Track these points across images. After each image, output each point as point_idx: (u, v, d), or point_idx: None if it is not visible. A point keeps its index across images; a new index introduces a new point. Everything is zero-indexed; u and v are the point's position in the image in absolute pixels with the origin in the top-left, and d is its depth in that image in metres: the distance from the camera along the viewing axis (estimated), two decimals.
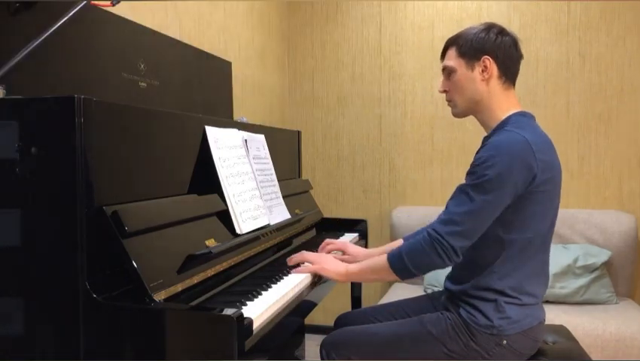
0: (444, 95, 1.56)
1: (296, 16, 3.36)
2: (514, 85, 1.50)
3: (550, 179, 1.38)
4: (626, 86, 2.85)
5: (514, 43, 1.48)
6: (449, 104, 1.56)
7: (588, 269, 2.59)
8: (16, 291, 1.00)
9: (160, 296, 1.04)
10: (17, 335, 1.00)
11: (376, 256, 1.73)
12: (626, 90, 2.85)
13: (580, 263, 2.58)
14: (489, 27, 1.48)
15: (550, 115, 2.95)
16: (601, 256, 2.62)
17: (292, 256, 1.58)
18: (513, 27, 2.96)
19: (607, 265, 2.65)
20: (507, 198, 1.34)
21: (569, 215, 2.79)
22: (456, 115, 1.55)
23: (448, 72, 1.52)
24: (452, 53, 1.51)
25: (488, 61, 1.45)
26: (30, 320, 1.00)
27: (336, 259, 1.59)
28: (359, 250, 1.77)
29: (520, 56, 1.50)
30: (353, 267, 1.52)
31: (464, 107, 1.51)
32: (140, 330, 0.98)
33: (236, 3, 2.65)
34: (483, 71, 1.45)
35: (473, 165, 1.37)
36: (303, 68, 3.38)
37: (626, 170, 2.87)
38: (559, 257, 2.59)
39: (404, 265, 1.39)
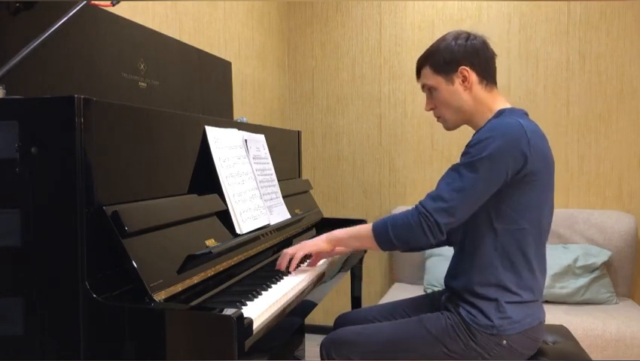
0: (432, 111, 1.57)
1: (296, 16, 3.36)
2: (496, 83, 1.51)
3: (542, 169, 1.38)
4: (626, 86, 2.85)
5: (484, 43, 1.48)
6: (438, 120, 1.57)
7: (588, 269, 2.59)
8: (16, 291, 1.00)
9: (160, 296, 1.04)
10: (17, 335, 1.00)
11: None
12: (626, 90, 2.85)
13: (580, 263, 2.58)
14: (456, 36, 1.48)
15: (550, 115, 2.95)
16: (601, 256, 2.62)
17: (278, 263, 1.53)
18: (513, 27, 2.97)
19: (607, 265, 2.65)
20: (497, 178, 1.34)
21: (569, 215, 2.79)
22: (449, 129, 1.56)
23: (429, 90, 1.53)
24: (427, 72, 1.51)
25: (465, 70, 1.45)
26: (30, 320, 1.00)
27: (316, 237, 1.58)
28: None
29: (493, 54, 1.50)
30: (337, 232, 1.52)
31: (454, 119, 1.52)
32: (140, 330, 0.97)
33: (236, 3, 2.65)
34: (463, 81, 1.46)
35: (467, 146, 1.39)
36: (303, 68, 3.38)
37: (626, 170, 2.87)
38: (559, 257, 2.59)
39: (388, 236, 1.39)
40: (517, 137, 1.34)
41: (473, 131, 1.52)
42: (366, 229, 1.45)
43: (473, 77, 1.45)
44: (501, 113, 1.45)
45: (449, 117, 1.52)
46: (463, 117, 1.51)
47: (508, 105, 1.48)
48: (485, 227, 1.40)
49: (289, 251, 1.53)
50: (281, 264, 1.51)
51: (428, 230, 1.34)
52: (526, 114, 1.47)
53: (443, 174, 1.42)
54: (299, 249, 1.52)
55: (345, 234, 1.51)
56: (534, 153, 1.35)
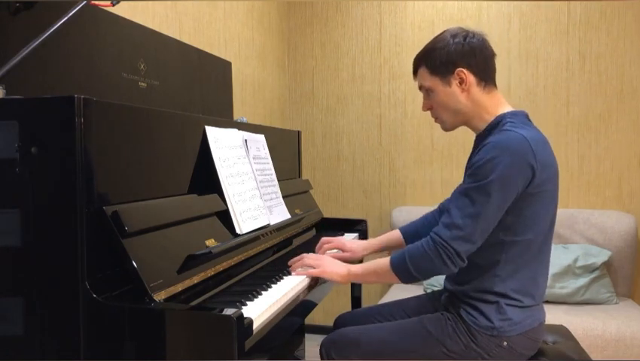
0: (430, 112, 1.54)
1: (296, 16, 3.36)
2: (495, 84, 1.47)
3: (548, 178, 1.37)
4: (626, 86, 2.85)
5: (483, 42, 1.44)
6: (436, 121, 1.54)
7: (588, 269, 2.59)
8: (16, 291, 1.00)
9: (160, 296, 1.04)
10: (17, 335, 1.00)
11: (376, 246, 1.75)
12: (626, 90, 2.85)
13: (580, 263, 2.58)
14: (453, 35, 1.43)
15: (550, 115, 2.95)
16: (601, 256, 2.62)
17: (292, 260, 1.54)
18: (513, 27, 2.96)
19: (607, 265, 2.65)
20: (509, 198, 1.33)
21: (569, 215, 2.79)
22: (447, 130, 1.53)
23: (426, 91, 1.49)
24: (423, 72, 1.47)
25: (462, 72, 1.41)
26: (30, 320, 1.00)
27: (337, 261, 1.57)
28: (357, 244, 1.76)
29: (493, 54, 1.46)
30: (355, 269, 1.50)
31: (451, 121, 1.49)
32: (140, 330, 0.97)
33: (236, 3, 2.65)
34: (460, 83, 1.42)
35: (474, 167, 1.35)
36: (303, 68, 3.38)
37: (626, 170, 2.87)
38: (559, 257, 2.59)
39: (408, 270, 1.38)
40: (523, 152, 1.31)
41: (473, 132, 1.51)
42: (384, 265, 1.43)
43: (470, 78, 1.42)
44: (501, 118, 1.42)
45: (446, 119, 1.50)
46: (461, 119, 1.48)
47: (508, 108, 1.46)
48: (491, 239, 1.37)
49: (308, 262, 1.51)
50: (294, 266, 1.52)
51: (449, 260, 1.33)
52: (527, 117, 1.45)
53: (454, 197, 1.39)
54: (316, 267, 1.50)
55: (363, 271, 1.49)
56: (541, 165, 1.34)
